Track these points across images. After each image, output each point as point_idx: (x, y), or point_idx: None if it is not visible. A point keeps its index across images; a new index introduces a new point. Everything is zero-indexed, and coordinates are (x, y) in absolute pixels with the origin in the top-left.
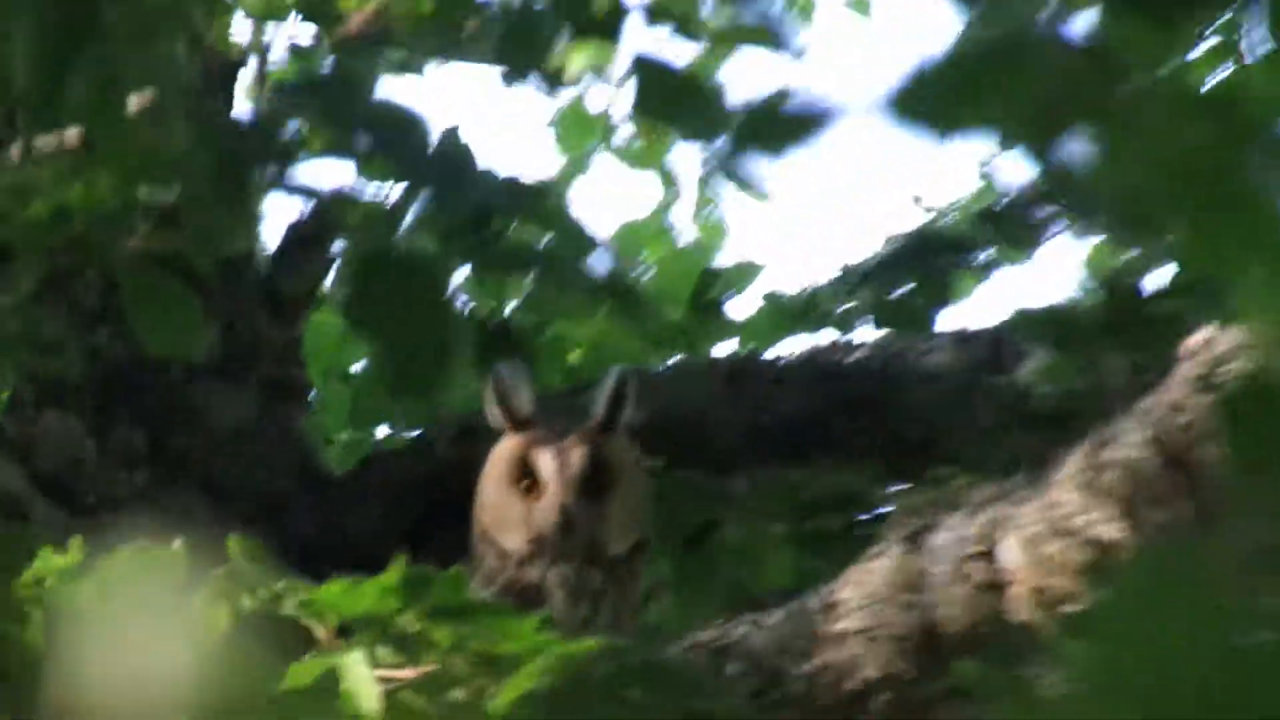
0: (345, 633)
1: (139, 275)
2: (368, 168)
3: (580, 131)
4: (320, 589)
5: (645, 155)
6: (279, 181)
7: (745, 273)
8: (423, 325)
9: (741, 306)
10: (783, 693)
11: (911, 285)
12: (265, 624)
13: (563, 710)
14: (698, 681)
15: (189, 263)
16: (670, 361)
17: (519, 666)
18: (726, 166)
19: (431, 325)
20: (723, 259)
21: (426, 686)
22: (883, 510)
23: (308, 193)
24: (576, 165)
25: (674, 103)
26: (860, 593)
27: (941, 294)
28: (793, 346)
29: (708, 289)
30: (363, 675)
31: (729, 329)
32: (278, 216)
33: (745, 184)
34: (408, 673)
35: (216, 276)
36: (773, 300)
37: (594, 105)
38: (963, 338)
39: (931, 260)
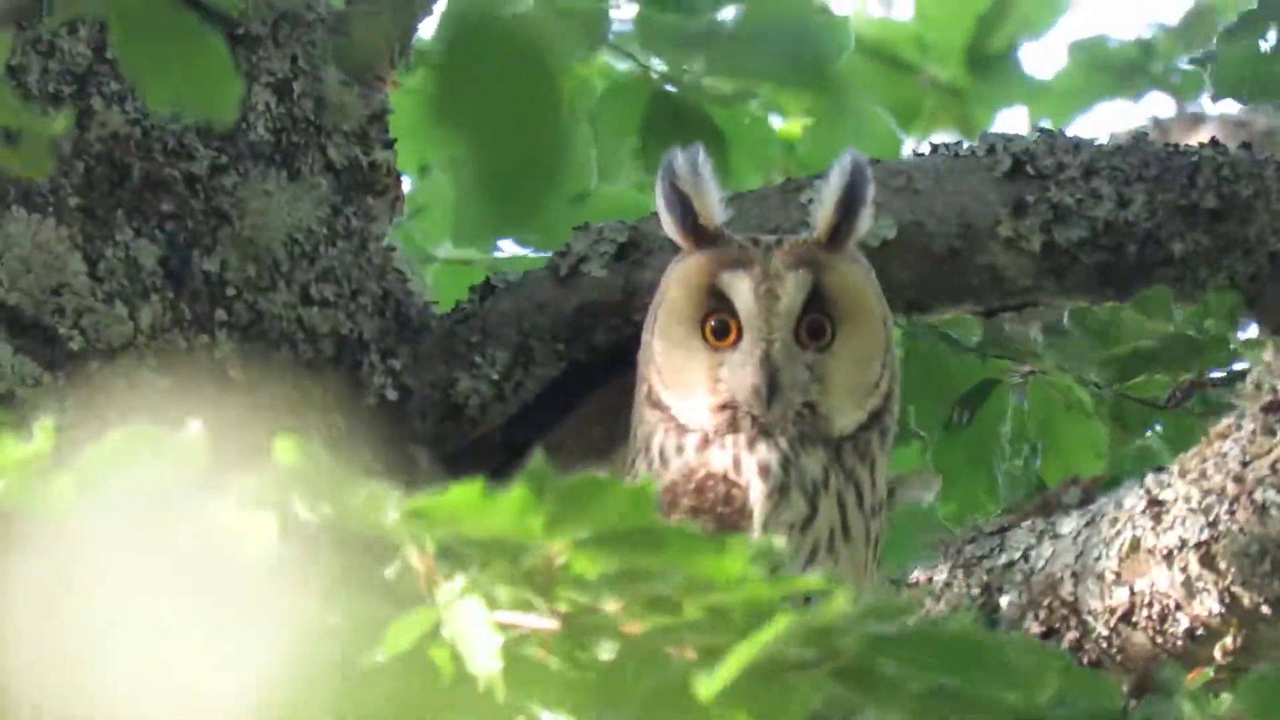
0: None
1: (137, 12)
2: None
3: None
4: (434, 497)
5: None
6: None
7: (1046, 9)
8: (529, 124)
9: (1039, 59)
10: (1081, 634)
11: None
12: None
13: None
14: (977, 650)
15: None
16: (929, 145)
17: (723, 621)
18: None
19: (540, 124)
20: None
21: (570, 640)
22: (1236, 368)
23: None
24: None
25: None
26: (1199, 489)
27: None
28: (1111, 120)
29: (990, 33)
30: (479, 621)
31: (1018, 90)
32: None
33: None
34: (544, 621)
35: (263, 20)
36: (1085, 51)
37: None
38: None
39: None
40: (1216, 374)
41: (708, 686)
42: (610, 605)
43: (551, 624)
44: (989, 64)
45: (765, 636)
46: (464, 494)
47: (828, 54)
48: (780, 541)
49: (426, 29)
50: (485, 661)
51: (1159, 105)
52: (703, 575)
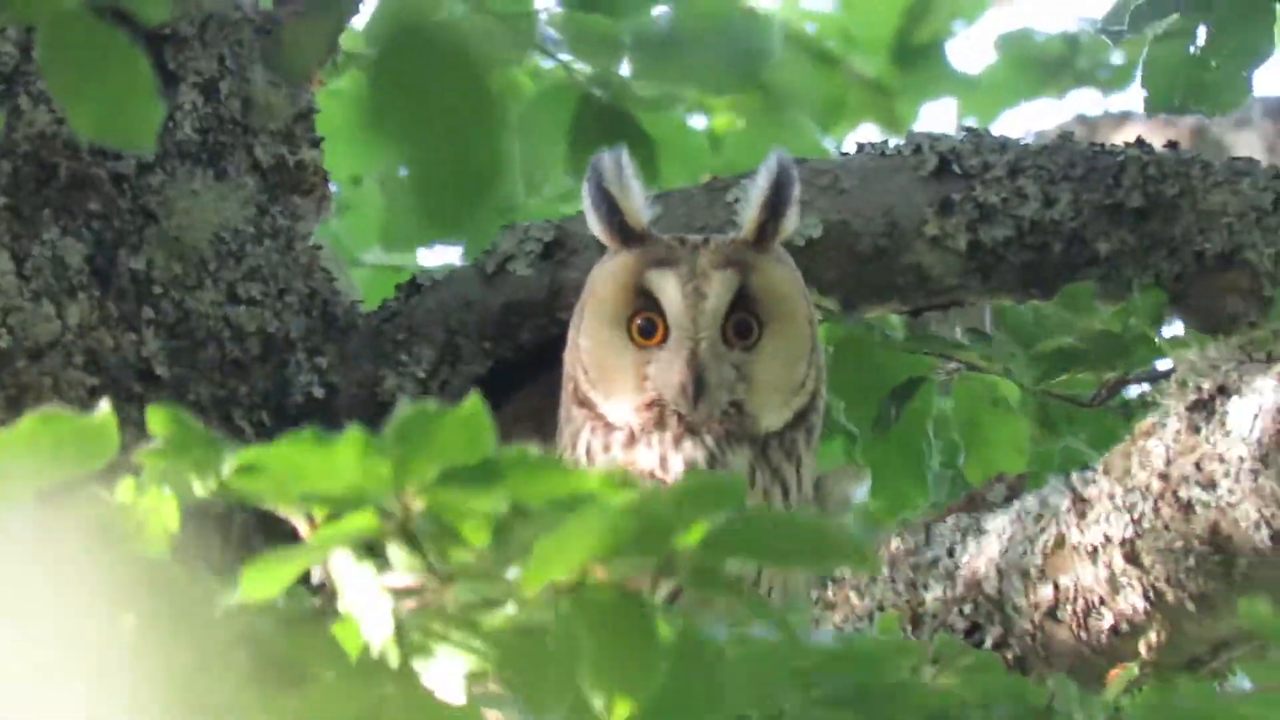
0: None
1: (64, 25)
2: None
3: None
4: (269, 448)
5: None
6: None
7: (973, 2)
8: (461, 129)
9: (967, 53)
10: (1006, 629)
11: (1207, 29)
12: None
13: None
14: (840, 539)
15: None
16: (855, 144)
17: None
18: None
19: (473, 129)
20: None
21: (457, 601)
22: (1160, 367)
23: None
24: None
25: None
26: (1124, 486)
27: (1254, 45)
28: (1039, 116)
29: (916, 25)
30: (362, 582)
31: (945, 84)
32: None
33: None
34: (426, 580)
35: (190, 20)
36: (1012, 45)
37: None
38: None
39: None
40: (1141, 373)
41: (529, 586)
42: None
43: (437, 584)
44: (915, 57)
45: (588, 522)
46: (297, 444)
47: (758, 56)
48: (631, 471)
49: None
50: (377, 628)
51: (1086, 102)
52: (553, 496)
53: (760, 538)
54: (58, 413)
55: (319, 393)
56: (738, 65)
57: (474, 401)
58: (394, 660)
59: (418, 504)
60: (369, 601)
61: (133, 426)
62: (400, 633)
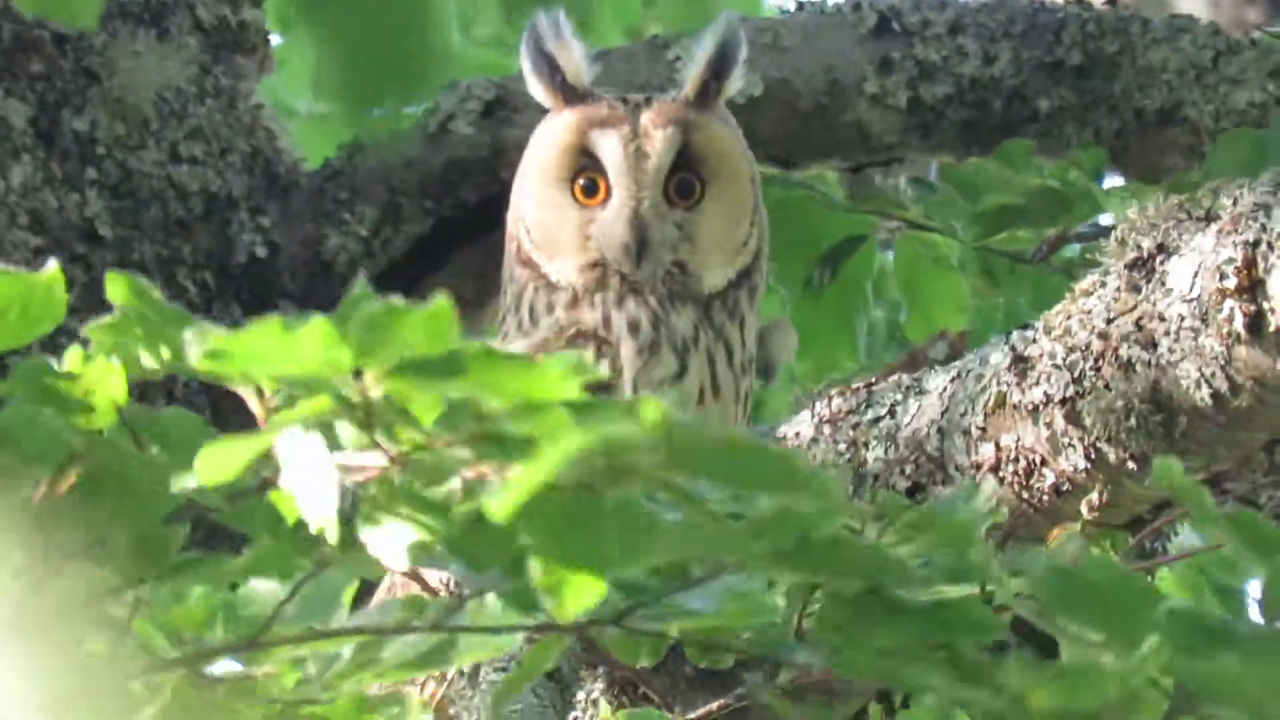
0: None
1: None
2: None
3: None
4: (234, 335)
5: None
6: None
7: None
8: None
9: None
10: (948, 488)
11: None
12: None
13: (590, 517)
14: (803, 476)
15: None
16: (795, 1)
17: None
18: None
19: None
20: None
21: (406, 478)
22: (1099, 222)
23: None
24: None
25: None
26: (1064, 345)
27: None
28: None
29: None
30: (315, 462)
31: None
32: None
33: None
34: (376, 459)
35: None
36: None
37: None
38: None
39: None
40: (1083, 229)
41: (500, 507)
42: (442, 441)
43: (389, 464)
44: None
45: (555, 454)
46: (264, 331)
47: None
48: (588, 356)
49: None
50: (323, 507)
51: None
52: (513, 393)
53: (726, 464)
54: (4, 270)
55: (262, 252)
56: None
57: (442, 303)
58: (333, 536)
59: (376, 391)
60: (316, 478)
61: (78, 287)
62: (345, 510)
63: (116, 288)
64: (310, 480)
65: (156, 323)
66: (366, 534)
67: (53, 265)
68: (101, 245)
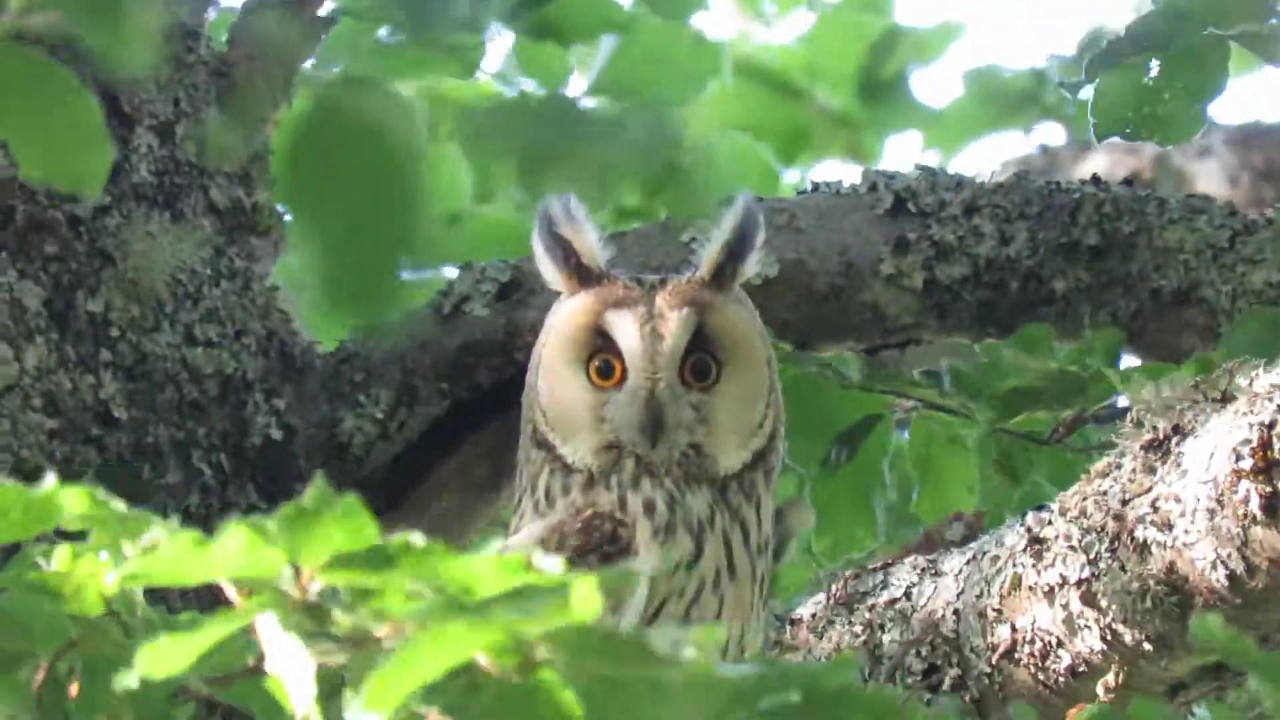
0: None
1: (6, 61)
2: None
3: None
4: (150, 554)
5: None
6: None
7: (938, 37)
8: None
9: (932, 87)
10: (963, 671)
11: (1163, 62)
12: None
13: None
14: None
15: (84, 43)
16: (811, 183)
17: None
18: None
19: (388, 219)
20: (904, 16)
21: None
22: (1116, 404)
23: None
24: None
25: None
26: (1079, 526)
27: (1207, 83)
28: (1000, 148)
29: (882, 60)
30: (288, 649)
31: (910, 117)
32: None
33: None
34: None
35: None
36: (979, 80)
37: None
38: (1247, 137)
39: (1190, 31)
40: (1099, 410)
41: (365, 701)
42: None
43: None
44: (880, 90)
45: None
46: (178, 545)
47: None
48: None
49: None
50: (301, 695)
51: (1048, 133)
52: (447, 580)
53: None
54: (5, 486)
55: (277, 434)
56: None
57: (352, 500)
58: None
59: (316, 584)
60: (293, 667)
61: (91, 470)
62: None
63: (74, 500)
64: (288, 666)
65: (118, 529)
66: (350, 695)
67: (51, 480)
68: (116, 428)
